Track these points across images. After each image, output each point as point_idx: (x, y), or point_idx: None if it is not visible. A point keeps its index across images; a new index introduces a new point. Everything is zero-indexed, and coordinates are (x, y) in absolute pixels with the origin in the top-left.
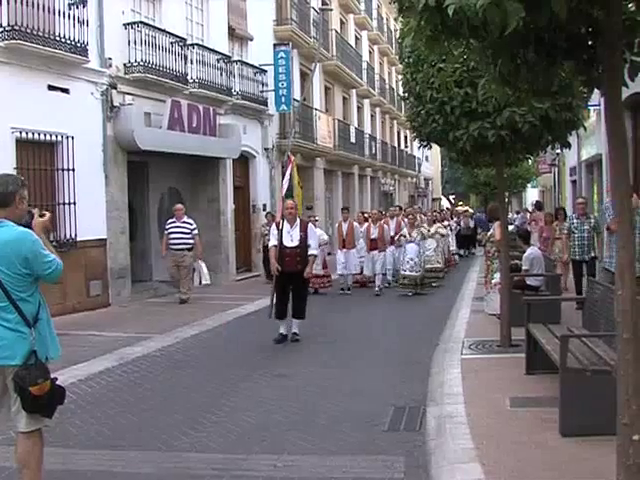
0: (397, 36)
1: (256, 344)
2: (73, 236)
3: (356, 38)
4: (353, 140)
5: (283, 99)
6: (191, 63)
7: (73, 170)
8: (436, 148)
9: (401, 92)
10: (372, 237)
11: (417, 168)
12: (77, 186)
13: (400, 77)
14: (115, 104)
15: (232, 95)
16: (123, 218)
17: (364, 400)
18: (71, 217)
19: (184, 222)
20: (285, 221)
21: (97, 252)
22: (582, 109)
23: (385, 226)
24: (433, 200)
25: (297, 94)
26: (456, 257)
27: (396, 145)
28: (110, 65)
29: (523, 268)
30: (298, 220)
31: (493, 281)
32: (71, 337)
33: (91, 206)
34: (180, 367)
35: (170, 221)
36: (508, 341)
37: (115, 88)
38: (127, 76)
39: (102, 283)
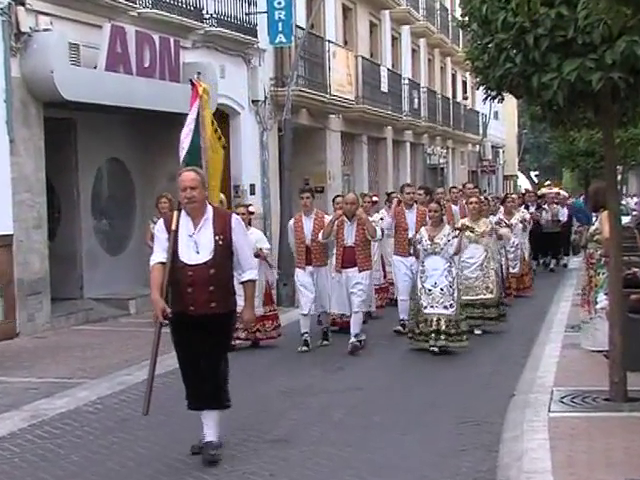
0: None
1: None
2: None
3: None
4: (385, 88)
5: (280, 26)
6: None
7: None
8: (511, 101)
9: (459, 15)
10: (348, 243)
11: (482, 131)
12: None
13: None
14: (24, 29)
15: (203, 20)
16: (38, 204)
17: None
18: None
19: None
20: (184, 214)
21: None
22: None
23: (385, 217)
24: (505, 178)
25: (301, 19)
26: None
27: (450, 96)
28: None
29: None
30: (209, 211)
31: (598, 301)
32: None
33: None
34: (126, 429)
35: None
36: (622, 392)
37: (23, 4)
38: None
39: (4, 302)
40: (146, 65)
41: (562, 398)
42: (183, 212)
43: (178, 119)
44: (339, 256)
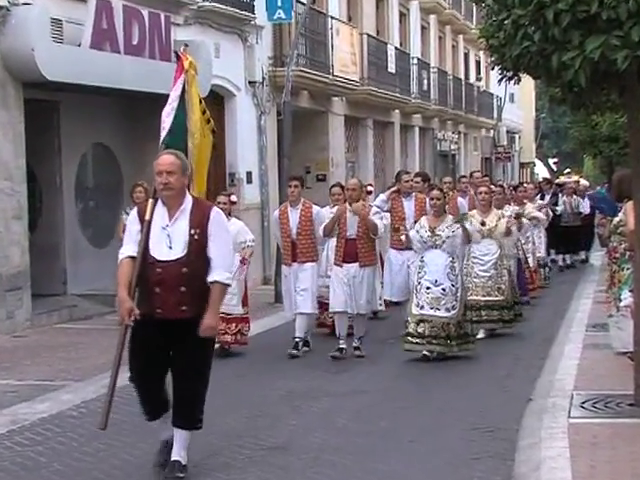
0: None
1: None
2: None
3: None
4: (392, 69)
5: (279, 1)
6: None
7: None
8: (529, 82)
9: None
10: (349, 235)
11: (496, 115)
12: None
13: None
14: (1, 3)
15: None
16: (18, 193)
17: None
18: None
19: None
20: (160, 204)
21: None
22: None
23: (380, 196)
24: (522, 166)
25: None
26: (544, 271)
27: (462, 77)
28: None
29: None
30: (188, 201)
31: (622, 298)
32: None
33: None
34: (113, 434)
35: None
36: None
37: None
38: None
39: None
40: (134, 43)
41: (583, 403)
42: (159, 201)
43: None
44: (340, 249)
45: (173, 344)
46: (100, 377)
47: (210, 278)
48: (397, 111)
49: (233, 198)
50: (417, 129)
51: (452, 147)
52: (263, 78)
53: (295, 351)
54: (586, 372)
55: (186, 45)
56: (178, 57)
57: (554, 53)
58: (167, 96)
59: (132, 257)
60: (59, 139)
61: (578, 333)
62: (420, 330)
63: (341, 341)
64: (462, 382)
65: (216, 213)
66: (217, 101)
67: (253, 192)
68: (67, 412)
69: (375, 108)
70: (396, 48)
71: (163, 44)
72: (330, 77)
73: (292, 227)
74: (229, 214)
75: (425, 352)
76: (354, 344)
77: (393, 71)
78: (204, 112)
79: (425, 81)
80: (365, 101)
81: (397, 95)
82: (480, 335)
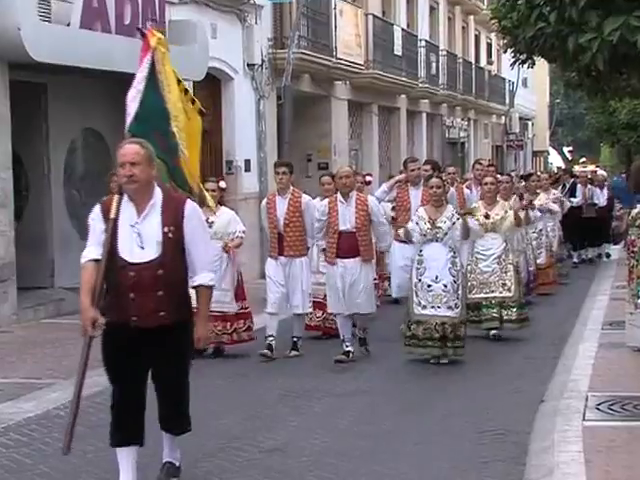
0: None
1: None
2: None
3: None
4: (398, 51)
5: None
6: None
7: None
8: (543, 66)
9: None
10: (344, 228)
11: (508, 100)
12: None
13: None
14: None
15: None
16: (3, 180)
17: None
18: None
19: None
20: (126, 199)
21: None
22: None
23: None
24: (535, 154)
25: None
26: (559, 267)
27: (472, 61)
28: None
29: None
30: (157, 195)
31: None
32: None
33: None
34: (101, 435)
35: None
36: None
37: None
38: None
39: None
40: (126, 22)
41: (598, 405)
42: (125, 197)
43: None
44: (333, 244)
45: (151, 352)
46: (88, 375)
47: (193, 282)
48: (403, 96)
49: (222, 184)
50: (424, 115)
51: (461, 134)
52: (262, 61)
53: (267, 351)
54: (602, 372)
55: (153, 20)
56: (143, 35)
57: (570, 35)
58: None
59: (96, 260)
60: (47, 124)
61: (593, 331)
62: (414, 332)
63: (347, 344)
64: (470, 382)
65: (191, 208)
66: (214, 85)
67: (251, 181)
68: (54, 412)
69: (380, 93)
70: (403, 30)
71: (157, 24)
72: (333, 60)
73: (279, 217)
74: (219, 202)
75: (431, 360)
76: (359, 334)
77: (400, 54)
78: (186, 91)
79: (433, 64)
80: (370, 85)
81: (404, 79)
82: (492, 334)
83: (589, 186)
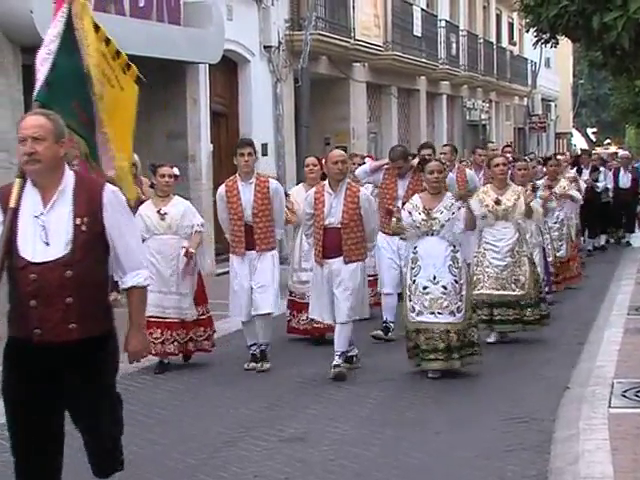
0: None
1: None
2: None
3: None
4: (418, 32)
5: None
6: None
7: None
8: (566, 46)
9: None
10: (328, 223)
11: (531, 81)
12: None
13: None
14: None
15: None
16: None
17: None
18: None
19: None
20: (29, 185)
21: None
22: None
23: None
24: (558, 136)
25: None
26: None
27: (494, 41)
28: None
29: None
30: (68, 179)
31: None
32: None
33: None
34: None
35: None
36: None
37: None
38: None
39: None
40: (141, 4)
41: (625, 392)
42: (29, 182)
43: (180, 68)
44: (318, 241)
45: (62, 380)
46: None
47: (124, 284)
48: (423, 78)
49: (175, 171)
50: (445, 97)
51: (482, 117)
52: (279, 42)
53: (254, 364)
54: (628, 358)
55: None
56: None
57: (595, 13)
58: (177, 62)
59: None
60: None
61: (619, 317)
62: (416, 342)
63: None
64: (494, 369)
65: (111, 193)
66: (230, 68)
67: (269, 165)
68: None
69: (400, 75)
70: (422, 9)
71: (172, 6)
72: (351, 41)
73: (245, 207)
74: (173, 192)
75: (430, 375)
76: (335, 362)
77: (419, 34)
78: (118, 54)
79: (454, 45)
80: (389, 67)
81: (423, 60)
82: (490, 339)
83: (595, 172)
